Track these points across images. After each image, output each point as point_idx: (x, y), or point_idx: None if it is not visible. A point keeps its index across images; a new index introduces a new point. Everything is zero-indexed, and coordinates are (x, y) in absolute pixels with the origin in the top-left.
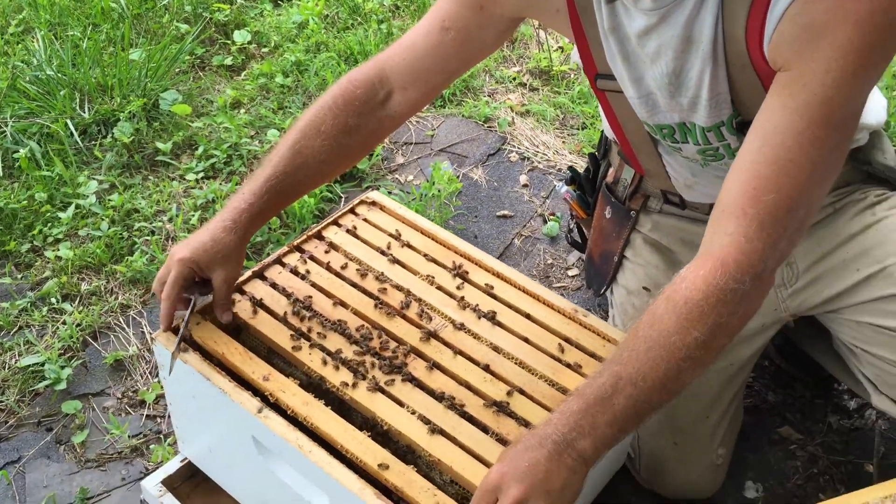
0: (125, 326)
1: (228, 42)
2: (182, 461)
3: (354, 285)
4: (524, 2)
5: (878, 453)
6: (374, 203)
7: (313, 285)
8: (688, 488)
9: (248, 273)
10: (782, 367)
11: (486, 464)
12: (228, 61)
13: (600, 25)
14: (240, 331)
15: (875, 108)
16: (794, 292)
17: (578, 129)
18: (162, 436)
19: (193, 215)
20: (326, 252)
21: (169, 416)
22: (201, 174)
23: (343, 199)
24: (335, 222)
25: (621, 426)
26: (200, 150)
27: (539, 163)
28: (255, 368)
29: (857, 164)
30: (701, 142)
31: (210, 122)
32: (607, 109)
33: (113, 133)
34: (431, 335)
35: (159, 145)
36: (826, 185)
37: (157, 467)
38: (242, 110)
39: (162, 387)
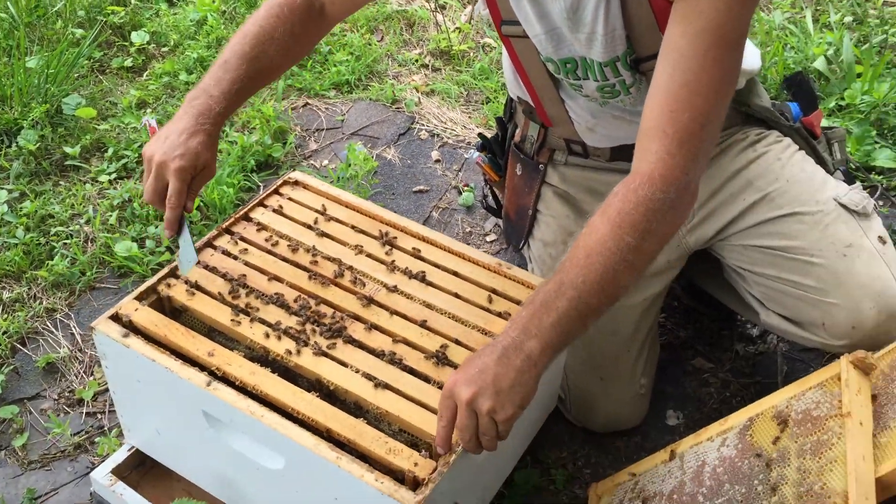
0: (53, 330)
1: (126, 44)
2: (129, 450)
3: (287, 260)
4: None
5: (781, 372)
6: (297, 182)
7: (246, 264)
8: (616, 420)
9: None
10: (690, 305)
11: (432, 410)
12: (129, 63)
13: None
14: (178, 314)
15: (750, 57)
16: (692, 228)
17: (483, 103)
18: (106, 429)
19: (111, 215)
20: (256, 232)
21: (111, 411)
22: (114, 175)
23: (261, 188)
24: (261, 203)
25: (565, 328)
26: (110, 151)
27: (448, 138)
28: (198, 346)
29: (737, 107)
30: (599, 77)
31: (117, 124)
32: (513, 56)
33: (17, 142)
34: (367, 299)
35: (67, 150)
36: (728, 99)
37: (104, 460)
38: (149, 110)
39: (99, 384)
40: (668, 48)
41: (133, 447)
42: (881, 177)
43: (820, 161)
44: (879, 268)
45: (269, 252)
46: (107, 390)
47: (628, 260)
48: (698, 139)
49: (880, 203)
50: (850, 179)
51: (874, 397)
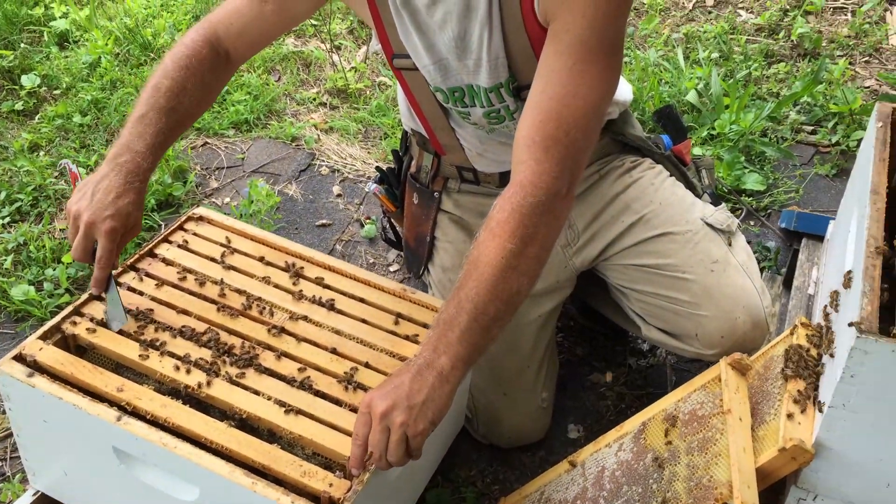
0: None
1: (16, 87)
2: (34, 495)
3: (194, 294)
4: None
5: (670, 382)
6: (201, 218)
7: (153, 299)
8: (521, 433)
9: (84, 296)
10: (585, 324)
11: (344, 432)
12: (19, 106)
13: (391, 3)
14: (84, 352)
15: (622, 90)
16: (577, 250)
17: (381, 139)
18: (9, 475)
19: (6, 259)
20: (162, 267)
21: (13, 457)
22: (7, 219)
23: (162, 227)
24: (165, 239)
25: (470, 340)
26: (2, 195)
27: (349, 173)
28: (107, 382)
29: (613, 136)
30: (485, 103)
31: (9, 167)
32: (405, 88)
33: None
34: (276, 328)
35: None
36: (600, 107)
37: None
38: (42, 152)
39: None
40: (542, 67)
41: (38, 491)
42: (750, 199)
43: (690, 186)
44: (744, 280)
45: (176, 286)
46: (9, 435)
47: (514, 265)
48: (563, 145)
49: (751, 223)
50: (716, 201)
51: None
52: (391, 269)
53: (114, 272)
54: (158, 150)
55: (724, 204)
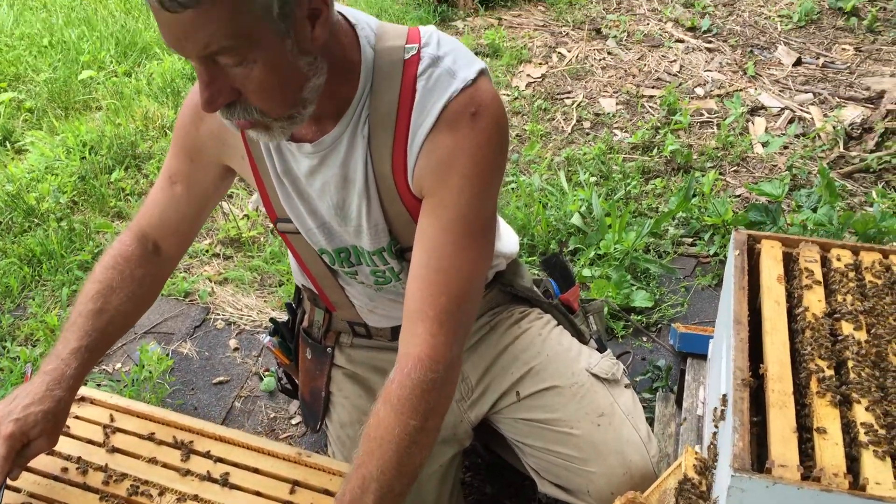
0: None
1: None
2: None
3: (75, 485)
4: (221, 151)
5: None
6: (83, 398)
7: (32, 495)
8: None
9: None
10: (492, 459)
11: None
12: None
13: (272, 170)
14: None
15: (508, 241)
16: (471, 403)
17: (276, 286)
18: None
19: None
20: (41, 458)
21: None
22: None
23: None
24: None
25: None
26: None
27: (246, 325)
28: None
29: (502, 287)
30: (370, 264)
31: None
32: (292, 250)
33: None
34: None
35: None
36: (482, 277)
37: None
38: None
39: None
40: (423, 237)
41: None
42: (640, 316)
43: (577, 333)
44: (629, 433)
45: (57, 479)
46: None
47: (417, 441)
48: (456, 318)
49: (643, 339)
50: (602, 347)
51: None
52: (293, 422)
53: (8, 480)
54: (85, 352)
55: (609, 351)
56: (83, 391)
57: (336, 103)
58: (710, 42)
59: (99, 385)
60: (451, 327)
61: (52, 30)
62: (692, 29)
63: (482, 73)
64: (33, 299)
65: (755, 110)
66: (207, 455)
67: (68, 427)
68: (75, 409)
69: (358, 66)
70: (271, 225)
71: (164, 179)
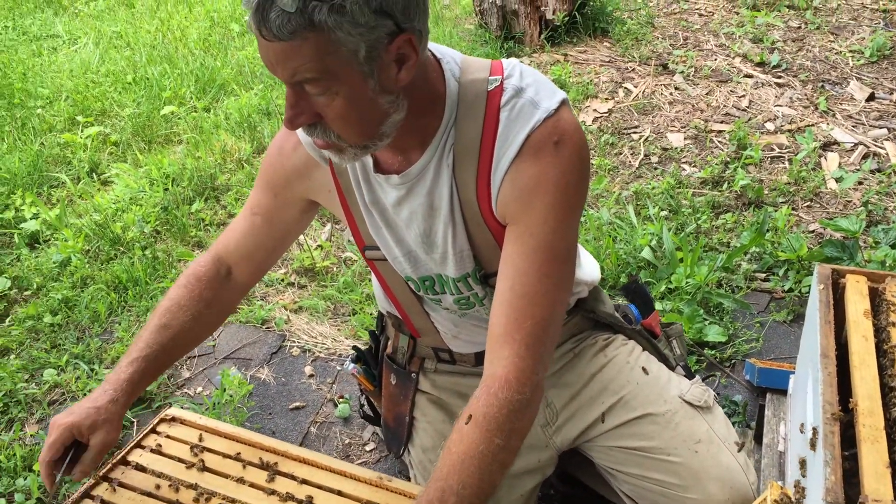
0: None
1: None
2: None
3: (168, 501)
4: (305, 186)
5: None
6: (174, 419)
7: None
8: None
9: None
10: (565, 491)
11: None
12: None
13: (361, 201)
14: None
15: (590, 269)
16: (556, 429)
17: (350, 315)
18: None
19: None
20: (136, 475)
21: None
22: None
23: (135, 424)
24: (138, 445)
25: None
26: None
27: (320, 352)
28: None
29: (584, 314)
30: (455, 291)
31: None
32: (379, 277)
33: None
34: None
35: None
36: (564, 303)
37: None
38: (13, 356)
39: None
40: (507, 264)
41: None
42: (713, 351)
43: (663, 358)
44: (728, 459)
45: (151, 495)
46: None
47: (499, 460)
48: (542, 342)
49: (717, 374)
50: (689, 374)
51: None
52: (367, 448)
53: (85, 482)
54: (143, 362)
55: (697, 377)
56: (173, 412)
57: (421, 134)
58: (779, 77)
59: (182, 407)
60: (537, 351)
61: (136, 67)
62: (761, 64)
63: (564, 102)
64: (119, 324)
65: (828, 146)
66: (292, 476)
67: (160, 446)
68: (167, 429)
69: (443, 98)
70: (351, 254)
71: (246, 210)
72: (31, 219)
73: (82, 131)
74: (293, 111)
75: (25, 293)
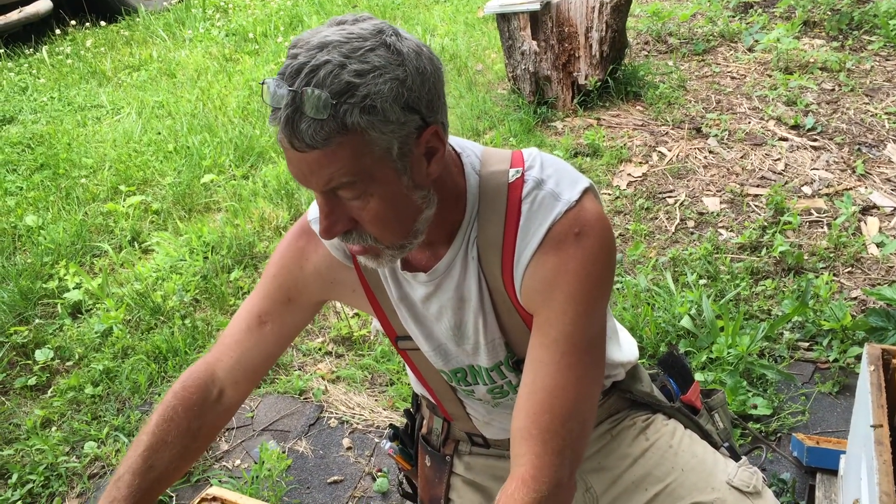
0: None
1: (30, 362)
2: None
3: None
4: (325, 289)
5: None
6: (214, 499)
7: None
8: None
9: None
10: None
11: None
12: (32, 381)
13: (391, 296)
14: None
15: (627, 350)
16: None
17: (387, 385)
18: None
19: None
20: None
21: None
22: (19, 503)
23: (174, 499)
24: None
25: None
26: (14, 477)
27: (358, 424)
28: None
29: (621, 394)
30: (488, 381)
31: (22, 448)
32: (411, 365)
33: None
34: None
35: None
36: (591, 395)
37: None
38: (54, 427)
39: None
40: (530, 357)
41: None
42: (758, 424)
43: (705, 435)
44: None
45: None
46: None
47: None
48: (560, 437)
49: (762, 447)
50: (735, 455)
51: None
52: None
53: None
54: None
55: (744, 458)
56: (214, 491)
57: (447, 229)
58: (815, 140)
59: (220, 482)
60: (555, 447)
61: (177, 136)
62: (795, 127)
63: (586, 191)
64: (159, 395)
65: (867, 209)
66: None
67: None
68: None
69: (465, 192)
70: (387, 342)
71: (251, 318)
72: (73, 288)
73: (125, 200)
74: (329, 220)
75: (67, 363)
